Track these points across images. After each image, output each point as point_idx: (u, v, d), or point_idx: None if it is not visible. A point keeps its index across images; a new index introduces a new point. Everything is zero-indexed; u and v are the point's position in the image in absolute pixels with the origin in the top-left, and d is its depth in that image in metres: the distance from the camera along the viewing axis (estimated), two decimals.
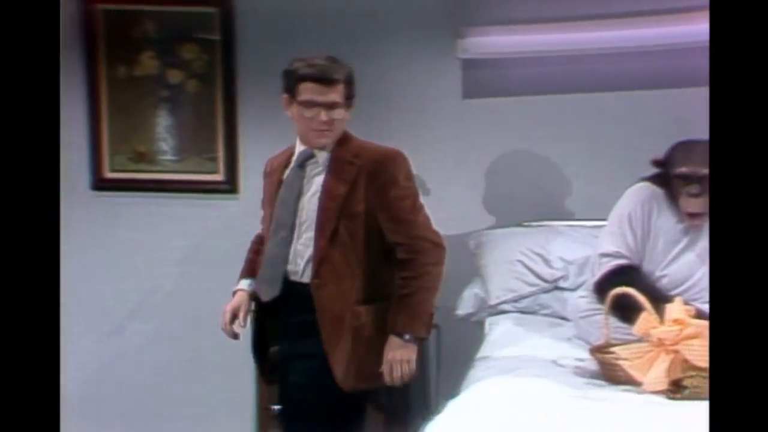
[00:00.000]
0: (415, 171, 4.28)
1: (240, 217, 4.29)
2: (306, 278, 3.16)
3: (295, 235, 3.17)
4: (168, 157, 4.43)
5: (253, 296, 3.30)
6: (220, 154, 4.39)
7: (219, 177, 4.40)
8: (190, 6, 4.36)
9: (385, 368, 3.12)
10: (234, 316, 3.27)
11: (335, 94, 3.11)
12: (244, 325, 3.28)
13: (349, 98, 3.18)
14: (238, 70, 4.35)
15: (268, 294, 3.20)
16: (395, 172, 3.16)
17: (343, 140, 3.21)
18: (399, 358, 3.11)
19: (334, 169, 3.16)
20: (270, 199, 3.29)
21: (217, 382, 4.42)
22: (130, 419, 4.49)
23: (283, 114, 3.23)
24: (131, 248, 4.41)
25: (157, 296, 4.45)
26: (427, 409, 4.20)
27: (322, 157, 3.20)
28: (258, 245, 3.41)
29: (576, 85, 4.17)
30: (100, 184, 4.41)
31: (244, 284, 3.34)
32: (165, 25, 4.38)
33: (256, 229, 3.42)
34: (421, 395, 4.19)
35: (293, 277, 3.17)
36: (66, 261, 4.24)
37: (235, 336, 3.30)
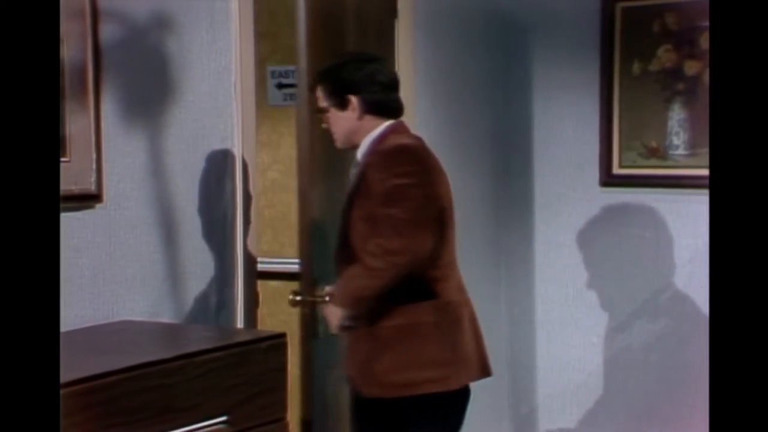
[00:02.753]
0: None
1: None
2: None
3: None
4: (680, 152, 4.30)
5: None
6: None
7: None
8: None
9: None
10: None
11: (318, 99, 3.15)
12: None
13: (338, 102, 3.09)
14: None
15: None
16: (381, 170, 2.97)
17: (377, 141, 3.08)
18: (324, 314, 3.13)
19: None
20: None
21: None
22: (628, 415, 4.42)
23: None
24: (640, 245, 4.33)
25: (665, 295, 4.32)
26: None
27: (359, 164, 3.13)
28: None
29: None
30: (609, 180, 4.40)
31: None
32: (686, 16, 4.27)
33: None
34: None
35: None
36: (563, 252, 4.35)
37: None
